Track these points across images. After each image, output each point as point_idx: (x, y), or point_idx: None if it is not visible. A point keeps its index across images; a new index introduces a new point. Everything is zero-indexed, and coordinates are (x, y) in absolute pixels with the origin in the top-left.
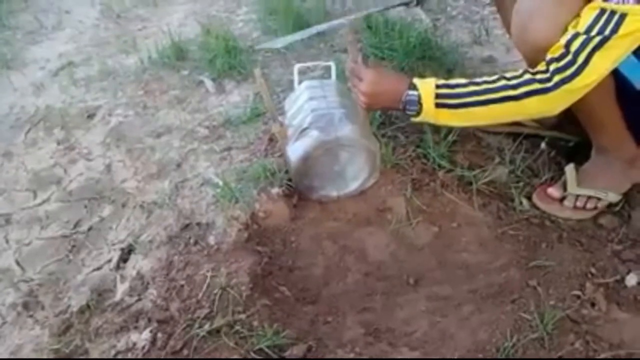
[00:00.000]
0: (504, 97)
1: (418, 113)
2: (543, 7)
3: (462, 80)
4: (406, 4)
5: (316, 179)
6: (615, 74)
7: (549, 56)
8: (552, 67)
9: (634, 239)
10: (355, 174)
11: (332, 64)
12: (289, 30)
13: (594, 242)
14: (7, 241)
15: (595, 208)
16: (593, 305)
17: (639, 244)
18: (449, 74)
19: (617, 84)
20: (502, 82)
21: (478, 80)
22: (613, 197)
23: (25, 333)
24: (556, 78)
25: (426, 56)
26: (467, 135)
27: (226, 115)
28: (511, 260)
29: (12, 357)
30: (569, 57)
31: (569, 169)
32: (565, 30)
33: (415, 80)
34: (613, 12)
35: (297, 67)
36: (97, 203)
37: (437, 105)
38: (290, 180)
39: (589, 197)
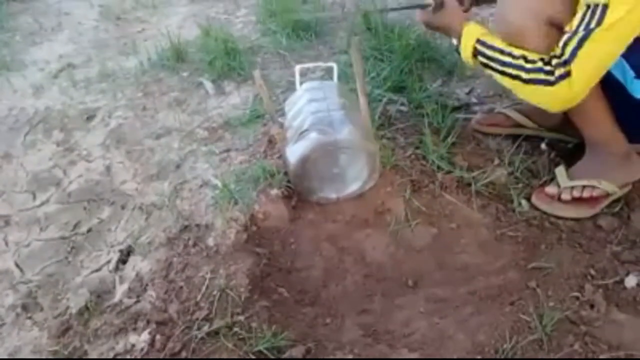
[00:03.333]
0: (516, 75)
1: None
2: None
3: (497, 44)
4: (422, 7)
5: (315, 180)
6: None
7: (554, 51)
8: (554, 61)
9: (633, 241)
10: (354, 176)
11: (334, 65)
12: (288, 32)
13: (593, 243)
14: (6, 243)
15: (593, 199)
16: (592, 306)
17: (638, 245)
18: (449, 75)
19: (612, 89)
20: (520, 62)
21: (506, 49)
22: (607, 186)
23: (24, 335)
24: (557, 72)
25: (425, 58)
26: (466, 136)
27: (225, 116)
28: (510, 262)
29: (10, 358)
30: (564, 56)
31: (559, 169)
32: (545, 20)
33: (465, 29)
34: (596, 5)
35: (298, 68)
36: (97, 205)
37: (474, 55)
38: (289, 181)
39: (584, 187)
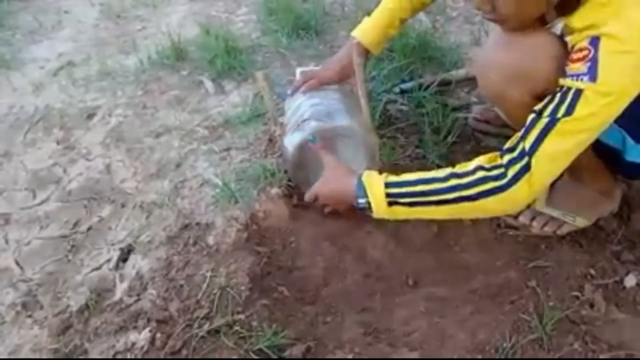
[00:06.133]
0: (457, 197)
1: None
2: (495, 58)
3: (412, 177)
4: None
5: (312, 171)
6: None
7: (506, 145)
8: (505, 158)
9: (633, 241)
10: (353, 169)
11: None
12: (288, 31)
13: (593, 243)
14: (6, 241)
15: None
16: (592, 306)
17: (638, 245)
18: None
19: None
20: (454, 182)
21: (428, 177)
22: (581, 222)
23: (25, 333)
24: (510, 172)
25: (425, 57)
26: (466, 136)
27: (226, 115)
28: (510, 261)
29: (11, 357)
30: (521, 146)
31: None
32: (529, 91)
33: (364, 182)
34: (569, 89)
35: (299, 70)
36: (97, 203)
37: (390, 204)
38: (289, 180)
39: (550, 219)
